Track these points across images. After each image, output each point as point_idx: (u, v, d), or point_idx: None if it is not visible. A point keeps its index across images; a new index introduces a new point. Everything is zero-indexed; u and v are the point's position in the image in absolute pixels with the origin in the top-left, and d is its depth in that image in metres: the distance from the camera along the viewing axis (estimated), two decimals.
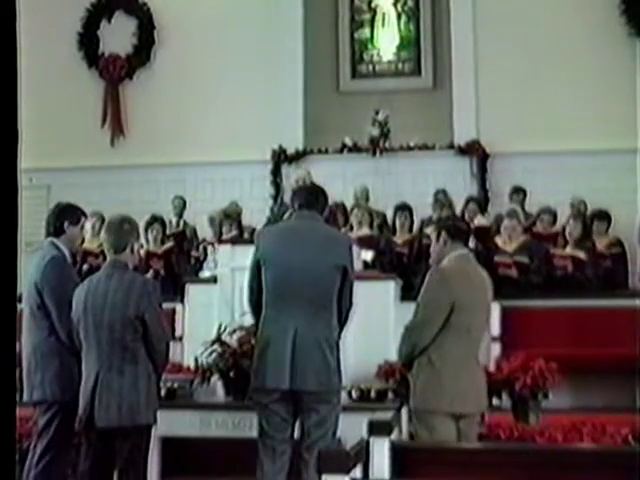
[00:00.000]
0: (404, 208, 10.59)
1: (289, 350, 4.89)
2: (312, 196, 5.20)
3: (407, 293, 8.39)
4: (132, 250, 5.30)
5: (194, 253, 10.58)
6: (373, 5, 13.42)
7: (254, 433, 5.14)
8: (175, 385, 6.37)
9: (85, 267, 9.81)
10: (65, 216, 5.79)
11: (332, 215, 10.10)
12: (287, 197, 9.55)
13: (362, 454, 3.65)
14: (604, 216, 10.43)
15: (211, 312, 7.55)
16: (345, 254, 5.11)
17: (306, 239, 5.09)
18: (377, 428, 3.86)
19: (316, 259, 5.00)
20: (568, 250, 9.81)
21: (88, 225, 10.10)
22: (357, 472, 3.53)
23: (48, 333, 5.53)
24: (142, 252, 9.63)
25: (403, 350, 5.30)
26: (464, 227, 5.43)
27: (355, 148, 12.58)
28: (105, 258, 5.45)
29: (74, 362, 5.29)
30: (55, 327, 5.50)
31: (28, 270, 5.61)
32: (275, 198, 12.20)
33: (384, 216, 11.07)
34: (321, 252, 5.04)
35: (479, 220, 10.52)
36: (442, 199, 10.68)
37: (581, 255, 9.71)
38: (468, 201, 11.02)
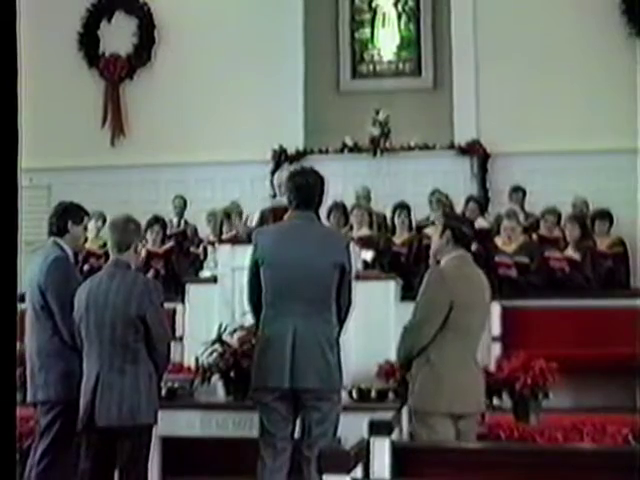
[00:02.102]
0: (402, 207, 10.59)
1: (289, 349, 4.89)
2: (308, 195, 5.17)
3: (407, 293, 8.40)
4: (135, 250, 5.32)
5: (193, 249, 10.58)
6: (373, 5, 13.42)
7: (254, 433, 5.15)
8: (175, 385, 6.37)
9: (86, 267, 9.81)
10: (69, 216, 5.79)
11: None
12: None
13: (363, 454, 3.65)
14: (606, 215, 10.42)
15: (211, 312, 7.54)
16: (343, 252, 5.11)
17: (304, 238, 5.09)
18: (377, 428, 3.86)
19: (314, 258, 5.00)
20: (568, 251, 9.80)
21: (91, 225, 10.15)
22: (358, 472, 3.53)
23: (52, 333, 5.54)
24: (143, 252, 9.64)
25: (402, 350, 5.30)
26: (469, 232, 5.37)
27: (356, 148, 12.58)
28: (107, 259, 5.47)
29: (78, 362, 5.29)
30: (59, 327, 5.51)
31: (29, 270, 5.62)
32: (275, 198, 12.19)
33: (384, 217, 11.07)
34: (319, 251, 5.03)
35: (479, 222, 10.48)
36: (440, 198, 10.64)
37: (575, 256, 9.71)
38: (468, 201, 11.01)
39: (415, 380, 5.15)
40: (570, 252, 9.79)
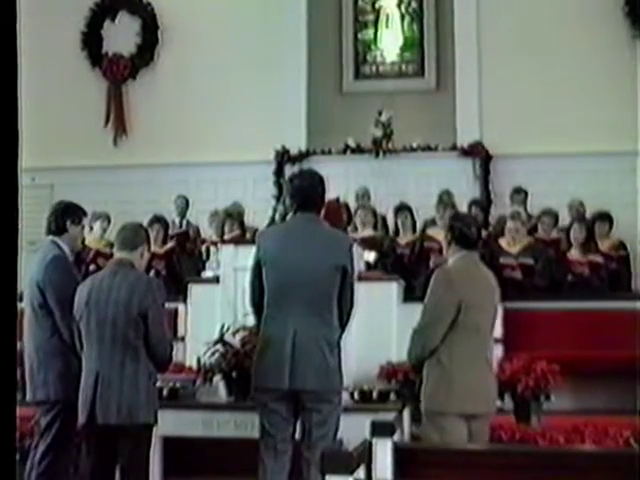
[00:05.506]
0: (403, 209, 10.58)
1: (289, 350, 4.88)
2: (309, 197, 5.16)
3: (409, 294, 8.41)
4: (142, 255, 5.33)
5: (196, 249, 10.58)
6: (377, 6, 13.42)
7: (256, 433, 5.14)
8: (177, 385, 6.37)
9: (92, 267, 9.81)
10: (67, 215, 5.79)
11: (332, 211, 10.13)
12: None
13: (365, 455, 3.65)
14: (605, 217, 10.39)
15: (214, 312, 7.56)
16: (345, 254, 5.09)
17: (307, 240, 5.08)
18: (380, 429, 3.86)
19: (316, 259, 4.99)
20: (572, 252, 9.79)
21: (96, 226, 10.18)
22: (360, 473, 3.53)
23: (51, 333, 5.53)
24: (146, 255, 9.65)
25: (412, 352, 5.27)
26: (470, 233, 5.32)
27: (358, 149, 12.58)
28: None
29: (77, 361, 5.28)
30: (58, 327, 5.50)
31: (29, 269, 5.62)
32: (278, 199, 12.18)
33: (383, 218, 11.06)
34: (321, 252, 5.02)
35: None
36: (446, 200, 10.63)
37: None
38: (471, 205, 10.97)
39: (426, 381, 5.15)
40: (582, 254, 9.77)
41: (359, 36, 13.38)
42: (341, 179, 11.68)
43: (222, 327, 6.55)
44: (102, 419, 4.96)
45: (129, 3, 13.74)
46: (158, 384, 5.43)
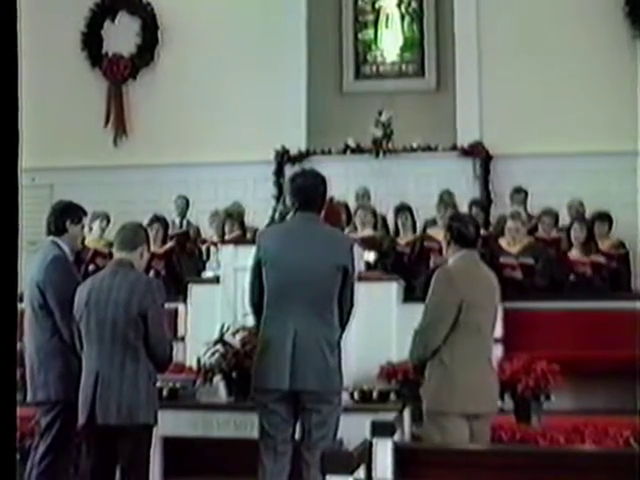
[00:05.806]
0: (404, 209, 10.58)
1: (289, 350, 4.88)
2: (310, 197, 5.16)
3: (409, 294, 8.41)
4: (141, 255, 5.32)
5: (196, 250, 10.58)
6: (377, 6, 13.42)
7: (256, 433, 5.14)
8: (177, 385, 6.36)
9: (91, 267, 9.80)
10: (67, 215, 5.78)
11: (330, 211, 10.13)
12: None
13: (365, 455, 3.65)
14: (605, 217, 10.38)
15: (214, 312, 7.56)
16: (346, 255, 5.09)
17: (307, 239, 5.08)
18: (380, 429, 3.86)
19: (317, 259, 4.99)
20: (572, 252, 9.80)
21: (96, 226, 10.17)
22: (360, 473, 3.53)
23: (51, 333, 5.53)
24: (146, 255, 9.65)
25: (414, 353, 5.27)
26: (468, 233, 5.33)
27: (358, 149, 12.58)
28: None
29: (77, 362, 5.28)
30: (58, 327, 5.50)
31: (29, 269, 5.61)
32: (278, 199, 12.18)
33: (383, 218, 11.06)
34: (322, 252, 5.02)
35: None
36: (447, 200, 10.63)
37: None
38: (471, 206, 10.96)
39: (428, 381, 5.16)
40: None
41: (359, 36, 13.37)
42: (341, 179, 11.66)
43: (222, 327, 6.55)
44: (102, 419, 4.96)
45: (129, 3, 13.74)
46: (158, 384, 5.43)
